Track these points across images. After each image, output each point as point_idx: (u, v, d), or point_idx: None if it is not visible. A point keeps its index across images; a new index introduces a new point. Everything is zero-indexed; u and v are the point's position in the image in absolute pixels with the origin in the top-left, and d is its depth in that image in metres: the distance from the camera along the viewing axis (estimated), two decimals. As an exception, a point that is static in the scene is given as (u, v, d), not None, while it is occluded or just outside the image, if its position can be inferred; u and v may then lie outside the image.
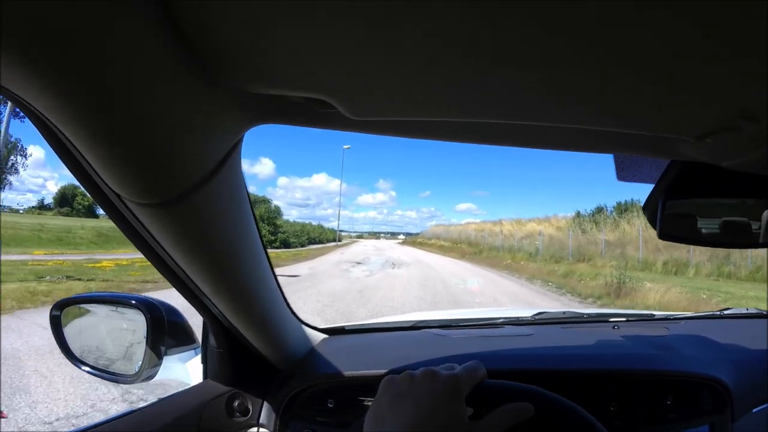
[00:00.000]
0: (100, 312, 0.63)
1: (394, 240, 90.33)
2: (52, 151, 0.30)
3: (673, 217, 0.49)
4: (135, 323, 0.57)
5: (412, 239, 53.65)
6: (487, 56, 0.23)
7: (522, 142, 0.42)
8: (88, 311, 0.63)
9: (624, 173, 0.54)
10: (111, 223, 0.37)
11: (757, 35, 0.20)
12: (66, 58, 0.19)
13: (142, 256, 0.39)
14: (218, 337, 0.55)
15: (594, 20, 0.20)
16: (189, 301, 0.47)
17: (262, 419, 0.59)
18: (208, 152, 0.31)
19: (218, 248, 0.38)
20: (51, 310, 0.59)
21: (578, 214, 21.74)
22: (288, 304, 0.61)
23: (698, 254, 10.89)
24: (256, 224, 0.45)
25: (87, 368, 0.58)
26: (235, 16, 0.20)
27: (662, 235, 0.49)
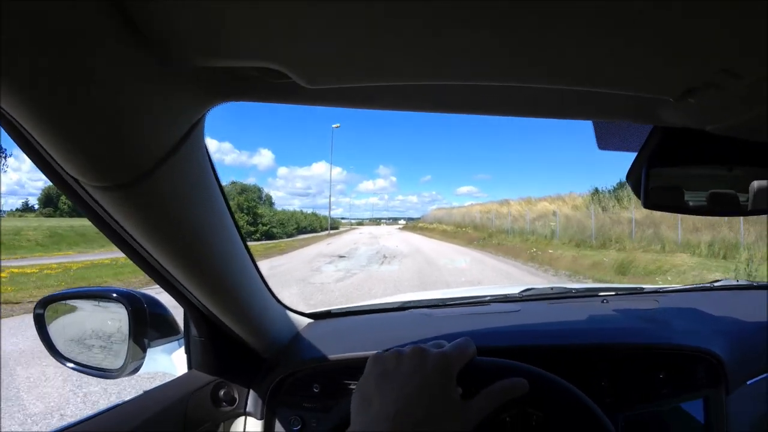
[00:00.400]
0: (83, 307, 0.64)
1: (394, 225, 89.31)
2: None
3: (658, 186, 0.49)
4: (118, 317, 0.58)
5: (412, 224, 53.29)
6: (444, 15, 0.23)
7: (494, 109, 0.40)
8: (72, 307, 0.63)
9: (605, 142, 0.53)
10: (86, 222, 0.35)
11: None
12: (12, 44, 0.19)
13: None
14: (199, 326, 0.56)
15: None
16: (164, 289, 0.47)
17: (249, 407, 0.60)
18: (164, 132, 0.31)
19: (185, 231, 0.38)
20: (35, 308, 0.59)
21: (597, 190, 19.52)
22: (270, 289, 0.61)
23: (750, 233, 8.78)
24: (228, 206, 0.45)
25: (72, 365, 0.59)
26: None
27: (648, 205, 0.48)
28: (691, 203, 0.50)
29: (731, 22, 0.23)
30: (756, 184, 0.48)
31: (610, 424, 0.36)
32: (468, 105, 0.41)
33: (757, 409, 0.65)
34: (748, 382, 0.65)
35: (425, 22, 0.23)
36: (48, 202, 48.69)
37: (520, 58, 0.28)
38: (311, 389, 0.61)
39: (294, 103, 0.37)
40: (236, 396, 0.59)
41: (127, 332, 0.55)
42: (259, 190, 34.26)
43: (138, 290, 0.60)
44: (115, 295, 0.58)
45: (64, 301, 0.62)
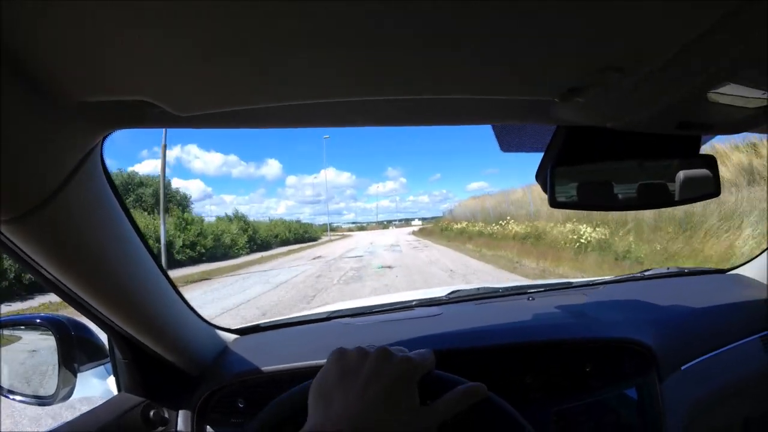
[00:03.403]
0: (12, 335, 0.71)
1: (406, 228, 74.49)
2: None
3: (564, 184, 0.55)
4: (46, 343, 0.64)
5: (434, 226, 37.12)
6: (302, 37, 0.26)
7: (380, 120, 0.46)
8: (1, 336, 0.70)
9: (506, 144, 0.60)
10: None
11: None
12: None
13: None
14: (122, 348, 0.62)
15: None
16: (81, 313, 0.52)
17: (180, 427, 0.67)
18: (54, 165, 0.36)
19: (89, 257, 0.44)
20: None
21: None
22: (190, 306, 0.67)
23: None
24: (136, 227, 0.50)
25: (5, 392, 0.66)
26: (44, 30, 0.24)
27: (553, 204, 0.54)
28: (610, 199, 0.56)
29: (604, 17, 0.26)
30: (682, 174, 0.54)
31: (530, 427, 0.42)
32: (364, 117, 0.45)
33: (694, 393, 0.74)
34: (683, 368, 0.74)
35: (269, 45, 0.27)
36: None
37: (404, 76, 0.33)
38: (236, 405, 0.68)
39: (177, 127, 0.42)
40: (167, 416, 0.66)
41: (55, 358, 0.61)
42: (186, 207, 24.88)
43: (63, 315, 0.66)
44: (40, 321, 0.65)
45: None
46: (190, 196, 29.97)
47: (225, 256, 19.07)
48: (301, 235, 39.74)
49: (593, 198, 0.57)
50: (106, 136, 0.41)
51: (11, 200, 0.34)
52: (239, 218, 24.35)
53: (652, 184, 0.57)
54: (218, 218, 24.26)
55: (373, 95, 0.37)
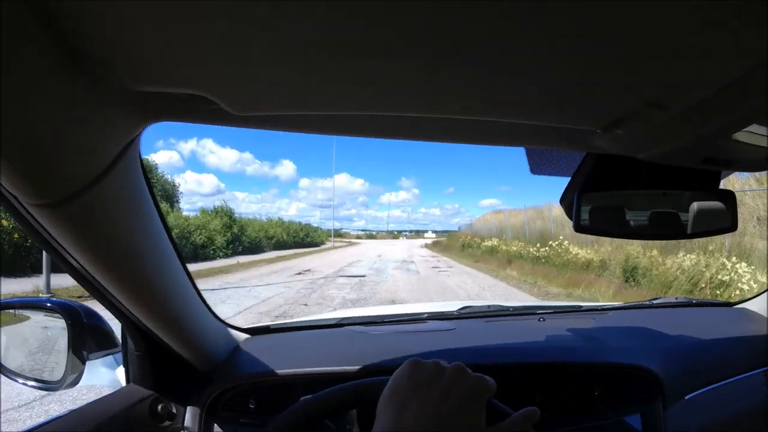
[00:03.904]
0: (22, 317, 0.79)
1: (418, 240, 76.97)
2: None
3: (596, 211, 0.62)
4: (56, 328, 0.73)
5: (449, 240, 36.48)
6: (361, 49, 0.29)
7: (424, 136, 0.52)
8: (11, 317, 0.78)
9: (538, 167, 0.66)
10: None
11: (654, 26, 0.26)
12: None
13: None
14: (136, 340, 0.68)
15: (497, 12, 0.26)
16: (100, 303, 0.58)
17: (187, 422, 0.74)
18: (97, 152, 0.39)
19: (119, 247, 0.48)
20: None
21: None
22: (206, 304, 0.74)
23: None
24: (164, 223, 0.55)
25: (12, 375, 0.74)
26: (111, 16, 0.27)
27: (578, 229, 0.61)
28: (625, 227, 0.64)
29: (652, 58, 0.30)
30: (696, 206, 0.61)
31: None
32: (408, 132, 0.51)
33: (697, 423, 0.82)
34: (687, 397, 0.83)
35: (349, 56, 0.30)
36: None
37: (455, 97, 0.37)
38: (247, 405, 0.76)
39: (227, 125, 0.46)
40: (174, 411, 0.73)
41: (65, 344, 0.69)
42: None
43: (75, 301, 0.73)
44: (52, 305, 0.72)
45: (2, 311, 0.77)
46: (179, 185, 27.45)
47: (194, 258, 16.61)
48: (300, 238, 37.59)
49: (622, 225, 0.65)
50: (146, 127, 0.44)
51: (50, 185, 0.37)
52: (224, 212, 22.60)
53: (672, 215, 0.64)
54: (203, 210, 22.82)
55: (427, 113, 0.42)
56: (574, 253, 11.44)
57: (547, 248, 12.99)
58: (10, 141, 0.31)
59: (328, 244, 42.88)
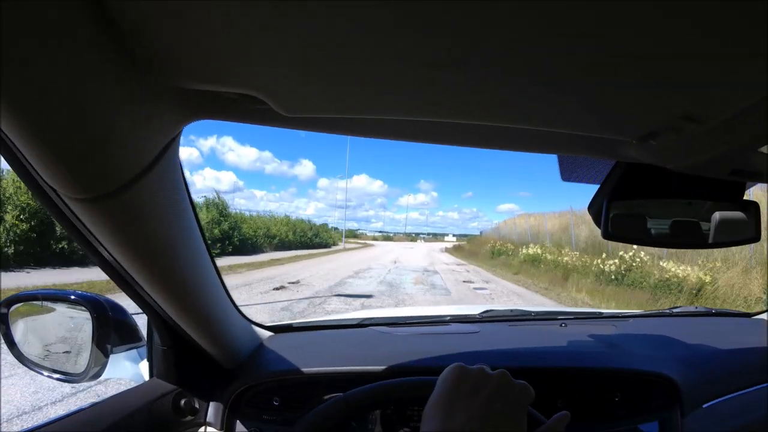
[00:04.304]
0: (47, 309, 0.86)
1: (437, 243, 77.44)
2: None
3: (618, 218, 0.67)
4: (80, 320, 0.79)
5: (470, 244, 37.23)
6: (415, 56, 0.32)
7: (462, 141, 0.55)
8: (36, 308, 0.86)
9: (568, 174, 0.72)
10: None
11: (694, 39, 0.29)
12: None
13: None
14: (162, 335, 0.74)
15: (544, 24, 0.28)
16: (130, 297, 0.64)
17: (210, 418, 0.79)
18: (141, 148, 0.41)
19: (155, 244, 0.52)
20: None
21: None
22: (233, 302, 0.79)
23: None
24: (198, 221, 0.58)
25: (35, 366, 0.81)
26: (164, 13, 0.29)
27: (606, 235, 0.67)
28: (650, 235, 0.69)
29: (688, 73, 0.33)
30: (718, 215, 0.67)
31: None
32: (447, 137, 0.55)
33: (714, 431, 0.86)
34: (704, 406, 0.90)
35: (401, 64, 0.33)
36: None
37: (495, 105, 0.40)
38: (271, 402, 0.82)
39: (271, 126, 0.50)
40: (197, 406, 0.78)
41: (89, 336, 0.76)
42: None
43: (101, 295, 0.79)
44: (77, 298, 0.78)
45: (28, 302, 0.85)
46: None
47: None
48: (309, 238, 36.30)
49: (650, 233, 0.71)
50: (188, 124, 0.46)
51: (91, 180, 0.39)
52: (216, 205, 22.37)
53: (696, 224, 0.71)
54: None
55: (466, 119, 0.46)
56: (668, 269, 9.09)
57: (616, 261, 10.60)
58: (56, 135, 0.34)
59: (339, 246, 41.21)
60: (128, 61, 0.33)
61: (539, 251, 16.64)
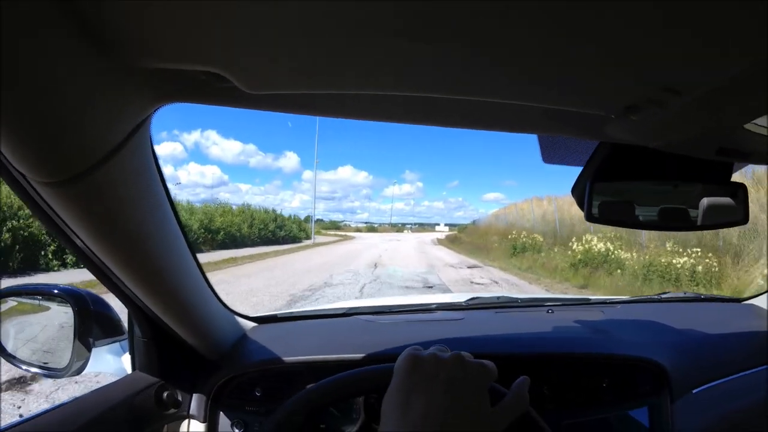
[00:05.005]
0: (29, 304, 0.86)
1: (426, 234, 69.00)
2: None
3: (603, 200, 0.68)
4: (63, 315, 0.79)
5: (463, 234, 33.76)
6: (379, 27, 0.32)
7: (438, 120, 0.55)
8: (18, 304, 0.86)
9: (550, 155, 0.72)
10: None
11: (675, 8, 0.28)
12: None
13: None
14: (142, 327, 0.74)
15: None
16: (108, 288, 0.63)
17: (192, 410, 0.80)
18: (107, 131, 0.41)
19: (129, 232, 0.51)
20: None
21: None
22: (214, 292, 0.79)
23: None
24: (174, 210, 0.59)
25: (18, 362, 0.81)
26: None
27: (589, 218, 0.68)
28: (635, 217, 0.70)
29: (671, 42, 0.32)
30: (706, 201, 0.68)
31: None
32: (422, 116, 0.54)
33: (704, 417, 0.90)
34: (694, 391, 0.93)
35: (365, 34, 0.33)
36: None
37: (467, 77, 0.40)
38: (254, 393, 0.83)
39: (238, 107, 0.50)
40: (180, 398, 0.79)
41: (71, 331, 0.76)
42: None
43: (82, 288, 0.79)
44: (58, 292, 0.79)
45: (11, 297, 0.86)
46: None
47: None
48: (271, 232, 29.83)
49: (634, 216, 0.71)
50: (158, 109, 0.47)
51: (58, 163, 0.39)
52: None
53: (680, 208, 0.71)
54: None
55: (438, 93, 0.45)
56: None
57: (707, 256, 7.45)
58: (20, 118, 0.34)
59: (307, 242, 33.51)
60: (90, 41, 0.33)
61: (609, 246, 10.94)
